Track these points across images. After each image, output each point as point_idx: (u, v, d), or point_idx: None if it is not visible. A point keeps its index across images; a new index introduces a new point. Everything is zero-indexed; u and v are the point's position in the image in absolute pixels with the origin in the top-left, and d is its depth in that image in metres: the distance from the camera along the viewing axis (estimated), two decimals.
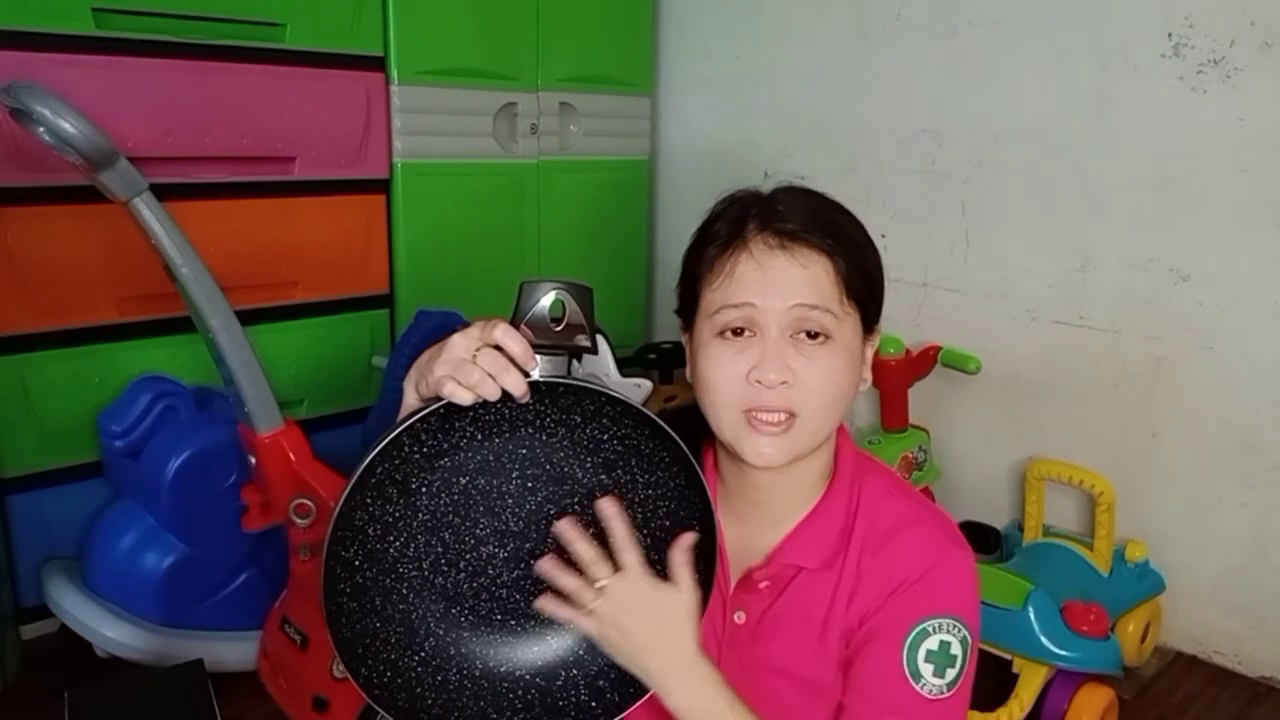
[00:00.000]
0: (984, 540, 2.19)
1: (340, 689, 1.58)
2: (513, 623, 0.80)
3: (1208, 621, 2.11)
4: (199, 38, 1.92)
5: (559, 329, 0.71)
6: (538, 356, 0.71)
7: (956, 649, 0.82)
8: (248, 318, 1.65)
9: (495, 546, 0.78)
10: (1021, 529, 2.14)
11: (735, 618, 0.89)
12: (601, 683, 0.81)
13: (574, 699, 0.81)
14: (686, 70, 2.88)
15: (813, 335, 0.80)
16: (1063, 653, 1.69)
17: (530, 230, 2.58)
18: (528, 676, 0.80)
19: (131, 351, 1.96)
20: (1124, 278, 2.10)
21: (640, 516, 0.79)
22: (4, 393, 1.84)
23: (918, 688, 0.81)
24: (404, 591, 0.77)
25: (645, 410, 0.74)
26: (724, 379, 0.81)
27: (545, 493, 0.78)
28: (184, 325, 1.76)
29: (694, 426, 0.86)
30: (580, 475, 0.78)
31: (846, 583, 0.85)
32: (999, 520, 2.29)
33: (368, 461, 0.70)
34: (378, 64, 2.19)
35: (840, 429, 0.89)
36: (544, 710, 0.80)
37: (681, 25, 2.86)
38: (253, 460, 1.68)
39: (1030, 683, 1.73)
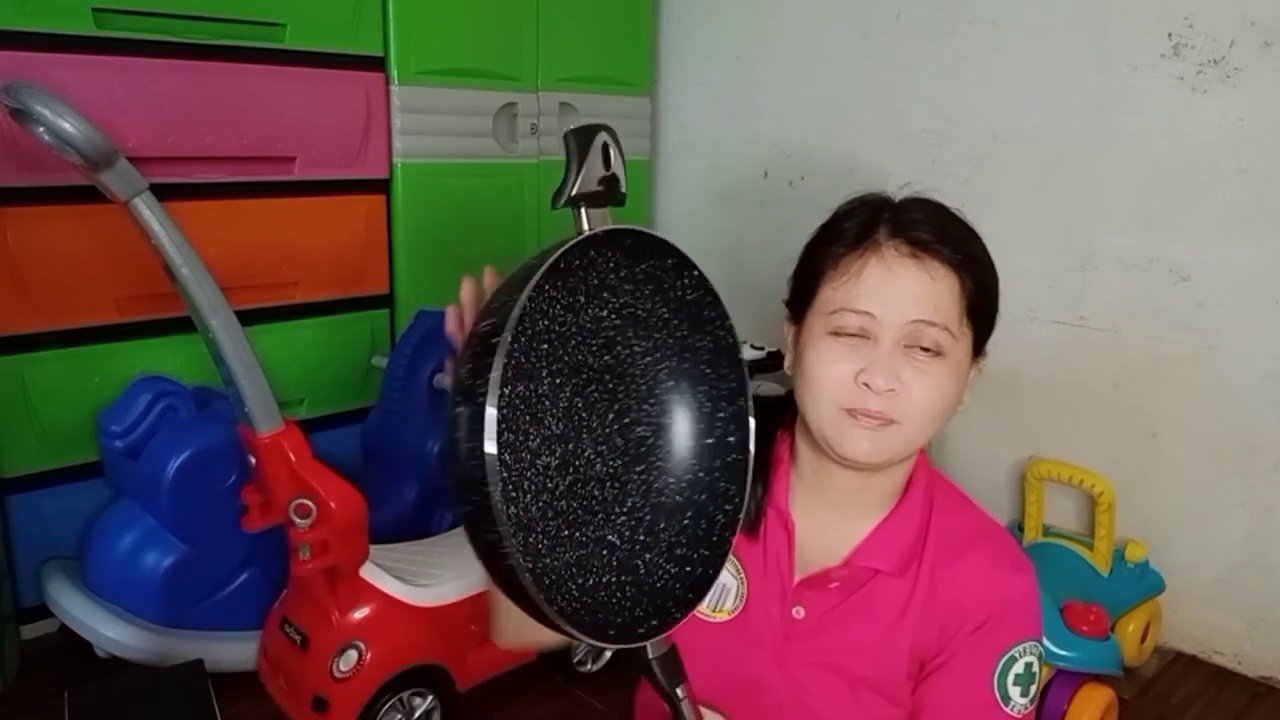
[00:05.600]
0: None
1: (340, 689, 1.58)
2: (577, 534, 0.76)
3: (1208, 621, 2.11)
4: (199, 38, 1.92)
5: (608, 173, 0.69)
6: (590, 212, 0.68)
7: (1036, 666, 0.86)
8: (248, 318, 1.65)
9: (547, 456, 0.75)
10: (1021, 529, 2.14)
11: (794, 612, 0.89)
12: (680, 550, 0.78)
13: (665, 573, 0.78)
14: (686, 70, 2.88)
15: (925, 349, 0.80)
16: (1063, 653, 1.69)
17: (530, 230, 2.57)
18: (614, 579, 0.77)
19: (131, 351, 1.96)
20: (1124, 278, 2.10)
21: (645, 387, 0.78)
22: (4, 393, 1.84)
23: (1008, 710, 0.84)
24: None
25: (652, 233, 0.71)
26: (832, 376, 0.81)
27: (570, 386, 0.75)
28: (184, 325, 1.76)
29: (771, 415, 0.87)
30: (591, 360, 0.76)
31: (921, 592, 0.87)
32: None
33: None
34: (378, 64, 2.19)
35: None
36: (644, 595, 0.77)
37: (681, 25, 2.86)
38: (253, 460, 1.68)
39: None
